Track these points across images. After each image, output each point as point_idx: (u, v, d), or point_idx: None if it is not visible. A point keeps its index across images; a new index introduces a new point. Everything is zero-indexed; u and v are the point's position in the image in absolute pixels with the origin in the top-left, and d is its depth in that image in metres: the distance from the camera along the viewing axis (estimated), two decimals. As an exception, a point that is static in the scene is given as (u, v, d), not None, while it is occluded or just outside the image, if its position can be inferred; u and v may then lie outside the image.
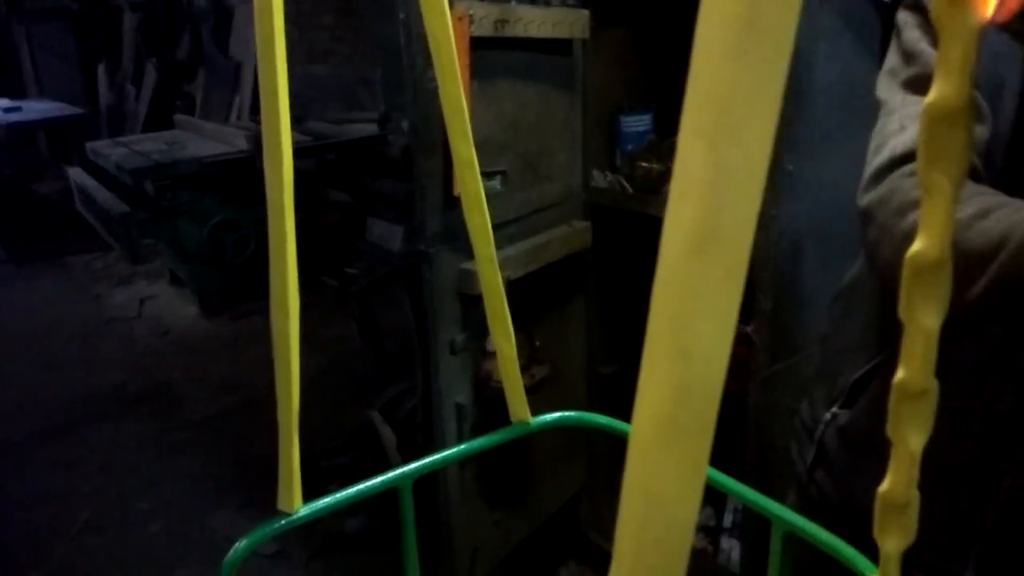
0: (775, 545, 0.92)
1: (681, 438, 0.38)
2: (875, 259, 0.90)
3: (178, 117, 5.19)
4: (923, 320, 0.50)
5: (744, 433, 1.74)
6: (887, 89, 0.95)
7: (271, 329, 0.87)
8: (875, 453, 0.52)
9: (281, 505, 0.93)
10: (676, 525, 0.36)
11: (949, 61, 0.46)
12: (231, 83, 5.99)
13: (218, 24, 6.31)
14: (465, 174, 0.98)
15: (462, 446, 1.06)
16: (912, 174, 0.83)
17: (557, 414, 1.11)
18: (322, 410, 3.15)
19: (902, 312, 0.51)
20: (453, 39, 0.84)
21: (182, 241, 4.19)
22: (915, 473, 0.51)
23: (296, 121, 5.11)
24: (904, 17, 0.97)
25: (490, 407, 1.82)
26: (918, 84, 0.90)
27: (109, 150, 4.23)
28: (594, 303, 2.17)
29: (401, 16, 1.47)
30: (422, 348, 1.82)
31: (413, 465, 1.03)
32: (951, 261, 0.49)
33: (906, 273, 0.49)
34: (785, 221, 1.57)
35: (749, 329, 1.70)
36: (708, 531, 2.04)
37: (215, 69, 6.22)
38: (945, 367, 0.96)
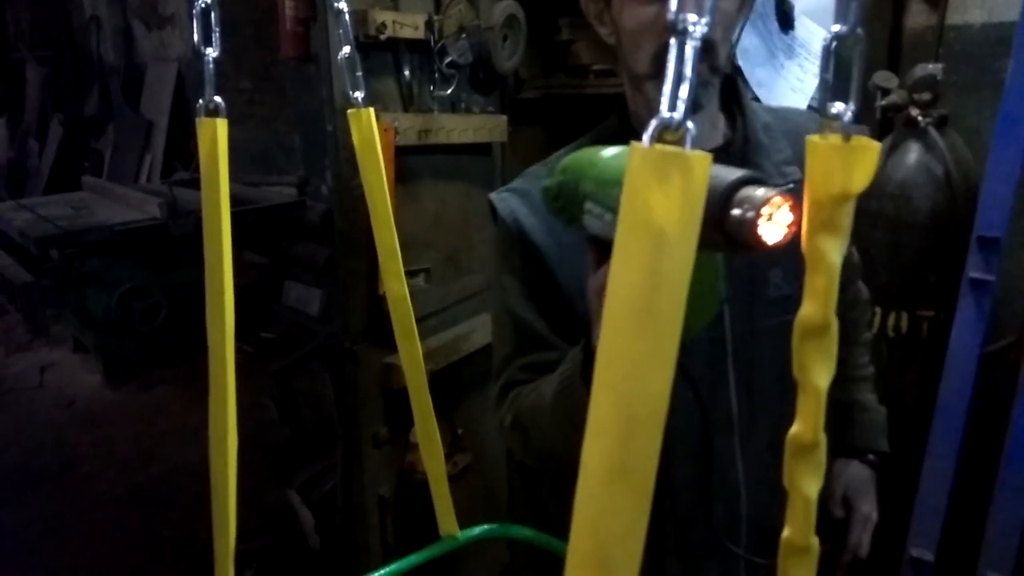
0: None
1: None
2: None
3: (86, 179, 5.05)
4: (803, 489, 0.58)
5: None
6: None
7: (209, 396, 0.87)
8: None
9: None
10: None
11: (815, 287, 0.55)
12: (142, 141, 5.88)
13: (128, 80, 6.20)
14: (399, 308, 1.03)
15: (392, 566, 1.10)
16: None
17: (484, 527, 1.16)
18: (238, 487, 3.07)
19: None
20: (391, 212, 0.90)
21: (89, 308, 4.05)
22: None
23: (211, 183, 5.02)
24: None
25: (413, 497, 1.84)
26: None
27: (12, 214, 4.08)
28: (514, 386, 2.23)
29: (328, 128, 1.52)
30: (345, 439, 1.83)
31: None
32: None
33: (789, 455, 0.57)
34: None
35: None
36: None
37: (125, 126, 6.09)
38: None
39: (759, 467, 0.96)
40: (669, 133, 0.41)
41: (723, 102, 0.96)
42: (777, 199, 0.54)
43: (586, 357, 0.76)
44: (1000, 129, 1.57)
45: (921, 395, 1.74)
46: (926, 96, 1.66)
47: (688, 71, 0.40)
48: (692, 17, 0.40)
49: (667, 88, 0.41)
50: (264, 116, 5.11)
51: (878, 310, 1.73)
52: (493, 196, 0.99)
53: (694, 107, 0.86)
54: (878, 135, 1.81)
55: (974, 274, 1.56)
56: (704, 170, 0.41)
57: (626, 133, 0.94)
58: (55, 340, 4.95)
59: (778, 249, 0.55)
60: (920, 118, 1.66)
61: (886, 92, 1.69)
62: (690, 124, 0.41)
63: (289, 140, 4.95)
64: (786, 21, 1.65)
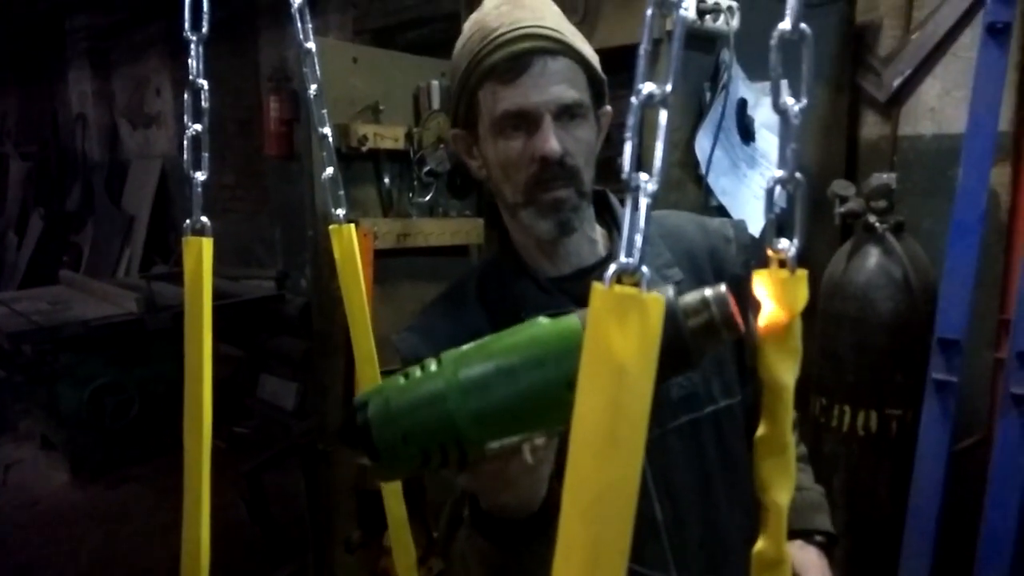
0: None
1: None
2: None
3: (64, 273, 5.05)
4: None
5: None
6: None
7: (184, 508, 0.86)
8: None
9: None
10: None
11: (771, 409, 0.59)
12: (122, 235, 5.92)
13: (112, 176, 6.29)
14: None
15: None
16: None
17: (457, 639, 1.14)
18: (205, 592, 2.96)
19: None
20: (369, 322, 0.93)
21: (60, 404, 3.98)
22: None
23: (190, 277, 5.04)
24: None
25: (387, 604, 1.80)
26: None
27: (-14, 309, 4.05)
28: (491, 485, 2.21)
29: (309, 233, 1.57)
30: (317, 543, 1.80)
31: None
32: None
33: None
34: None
35: None
36: None
37: (106, 221, 6.14)
38: None
39: (695, 566, 0.95)
40: (626, 276, 0.45)
41: (600, 217, 0.99)
42: (722, 289, 0.59)
43: (471, 502, 0.77)
44: (954, 235, 1.65)
45: (894, 493, 1.75)
46: (882, 203, 1.74)
47: (642, 223, 0.44)
48: (644, 176, 0.44)
49: (624, 236, 0.45)
50: (246, 210, 5.18)
51: (847, 409, 1.77)
52: (395, 338, 1.00)
53: (567, 230, 0.91)
54: (839, 240, 1.89)
55: (937, 375, 1.61)
56: (659, 310, 0.45)
57: (512, 262, 0.97)
58: (22, 436, 4.83)
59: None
60: (878, 224, 1.74)
61: (844, 200, 1.78)
62: (644, 268, 0.45)
63: (270, 234, 5.01)
64: (747, 134, 1.74)
